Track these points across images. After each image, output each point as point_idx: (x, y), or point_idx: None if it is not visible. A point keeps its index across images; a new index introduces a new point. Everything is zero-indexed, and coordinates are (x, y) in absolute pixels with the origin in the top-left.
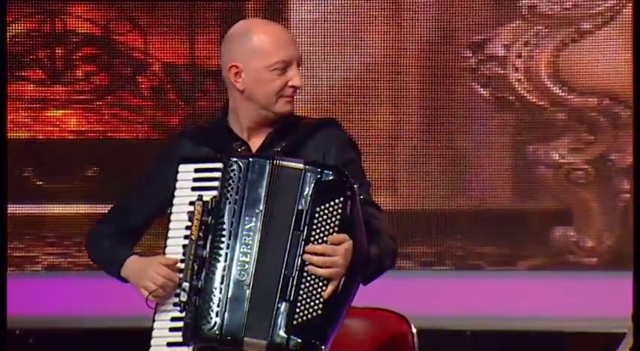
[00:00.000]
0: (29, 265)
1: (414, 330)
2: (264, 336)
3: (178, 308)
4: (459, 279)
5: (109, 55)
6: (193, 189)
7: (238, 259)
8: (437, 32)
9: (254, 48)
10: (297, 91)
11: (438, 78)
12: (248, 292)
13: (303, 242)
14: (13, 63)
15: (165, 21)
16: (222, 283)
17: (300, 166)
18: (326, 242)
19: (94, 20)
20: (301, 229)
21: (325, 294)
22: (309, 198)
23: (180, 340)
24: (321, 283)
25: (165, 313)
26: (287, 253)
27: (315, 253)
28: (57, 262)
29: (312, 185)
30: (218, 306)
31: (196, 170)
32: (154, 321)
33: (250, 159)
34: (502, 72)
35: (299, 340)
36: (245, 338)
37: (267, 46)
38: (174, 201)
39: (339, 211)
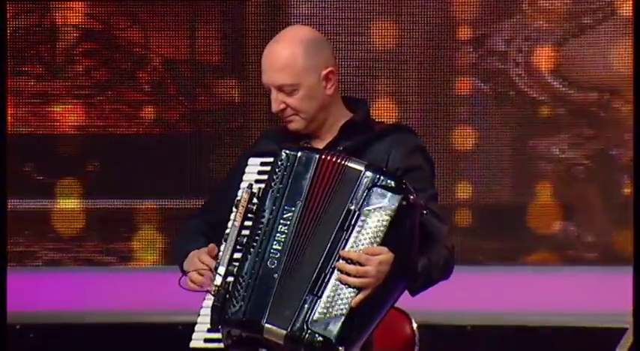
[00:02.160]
0: (29, 261)
1: (415, 325)
2: (285, 325)
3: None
4: (459, 274)
5: (110, 50)
6: (256, 181)
7: (271, 247)
8: (437, 27)
9: None
10: (292, 112)
11: (438, 73)
12: (276, 280)
13: (345, 242)
14: (14, 57)
15: (165, 16)
16: (253, 269)
17: (361, 167)
18: (368, 245)
19: (94, 15)
20: (345, 228)
21: (353, 302)
22: (361, 200)
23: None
24: (352, 287)
25: (210, 301)
26: (327, 249)
27: (350, 260)
28: (57, 257)
29: (368, 188)
30: (246, 291)
31: (262, 163)
32: (201, 307)
33: (300, 152)
34: (502, 67)
35: (317, 336)
36: (266, 325)
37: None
38: (238, 193)
39: (389, 218)
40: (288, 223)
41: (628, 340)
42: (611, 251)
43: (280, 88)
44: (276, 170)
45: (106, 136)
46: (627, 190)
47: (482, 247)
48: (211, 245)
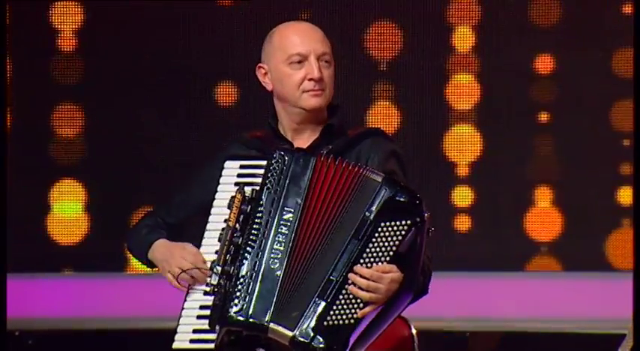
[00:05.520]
0: (29, 267)
1: (414, 331)
2: (291, 327)
3: (207, 296)
4: (459, 280)
5: (109, 54)
6: (236, 184)
7: (272, 248)
8: (436, 34)
9: (274, 46)
10: (324, 85)
11: (437, 79)
12: (279, 281)
13: (358, 252)
14: (13, 62)
15: (164, 20)
16: (253, 269)
17: (379, 179)
18: (380, 258)
19: (93, 18)
20: (360, 237)
21: (360, 313)
22: (377, 212)
23: (206, 327)
24: (362, 300)
25: (194, 301)
26: (339, 256)
27: (361, 275)
28: (57, 263)
29: (385, 200)
30: (247, 291)
31: (241, 166)
32: (182, 308)
33: (295, 153)
34: (503, 73)
35: (323, 343)
36: (271, 324)
37: (285, 42)
38: (217, 195)
39: (402, 232)
40: (289, 224)
41: (627, 345)
42: (611, 257)
43: (320, 57)
44: (271, 170)
45: (107, 141)
46: (627, 197)
47: (482, 252)
48: (193, 247)
